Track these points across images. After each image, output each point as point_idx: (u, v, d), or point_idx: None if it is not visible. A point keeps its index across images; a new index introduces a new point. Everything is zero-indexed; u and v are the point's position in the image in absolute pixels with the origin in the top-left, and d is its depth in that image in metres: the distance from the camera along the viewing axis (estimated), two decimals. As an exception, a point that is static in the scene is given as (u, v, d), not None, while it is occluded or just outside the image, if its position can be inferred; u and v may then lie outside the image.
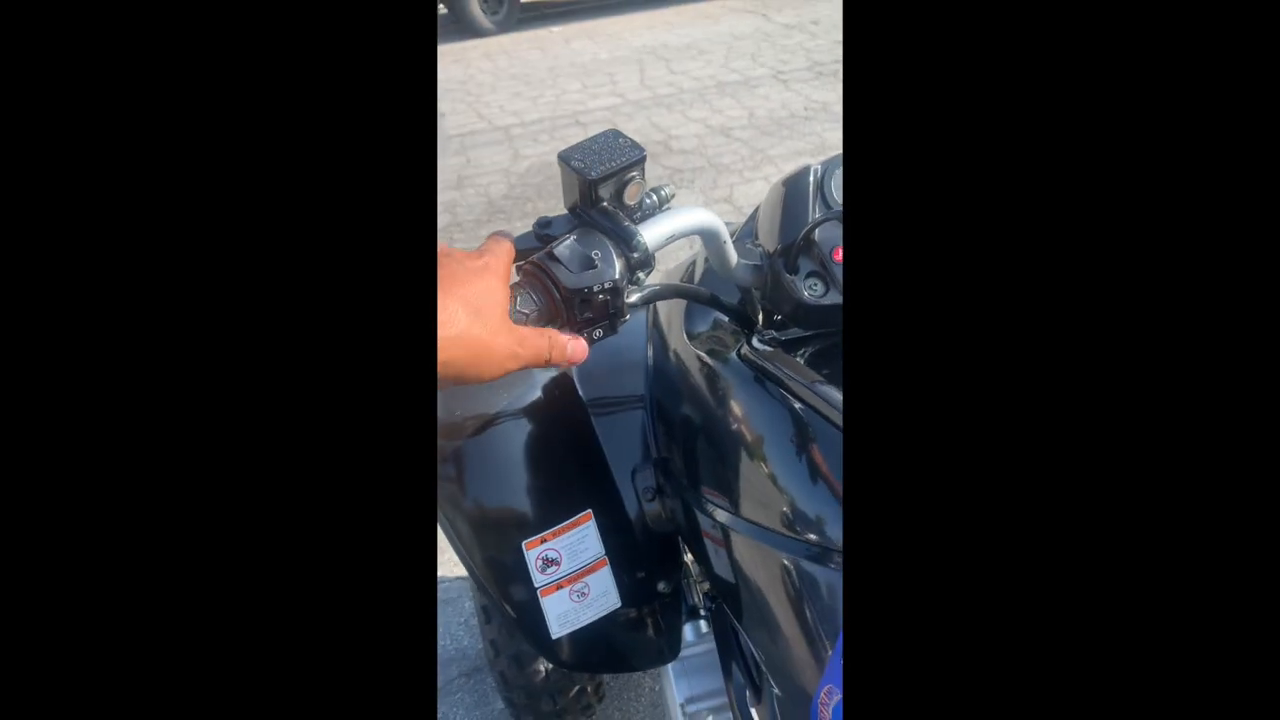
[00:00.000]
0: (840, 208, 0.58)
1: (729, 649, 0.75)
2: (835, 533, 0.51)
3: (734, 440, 0.63)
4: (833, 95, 3.77)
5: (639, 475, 0.81)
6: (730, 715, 0.79)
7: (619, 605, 0.79)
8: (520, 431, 0.81)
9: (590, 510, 0.78)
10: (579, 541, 0.77)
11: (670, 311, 0.79)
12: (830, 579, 0.51)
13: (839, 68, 4.17)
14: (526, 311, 0.44)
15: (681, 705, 0.82)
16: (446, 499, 0.78)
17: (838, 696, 0.46)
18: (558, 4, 6.76)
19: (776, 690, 0.60)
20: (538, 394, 0.84)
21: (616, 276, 0.46)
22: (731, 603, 0.67)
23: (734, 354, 0.63)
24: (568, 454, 0.82)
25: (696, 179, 3.06)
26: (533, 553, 0.75)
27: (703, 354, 0.68)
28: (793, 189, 0.61)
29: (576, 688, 1.07)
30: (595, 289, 0.45)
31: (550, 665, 1.04)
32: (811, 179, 0.61)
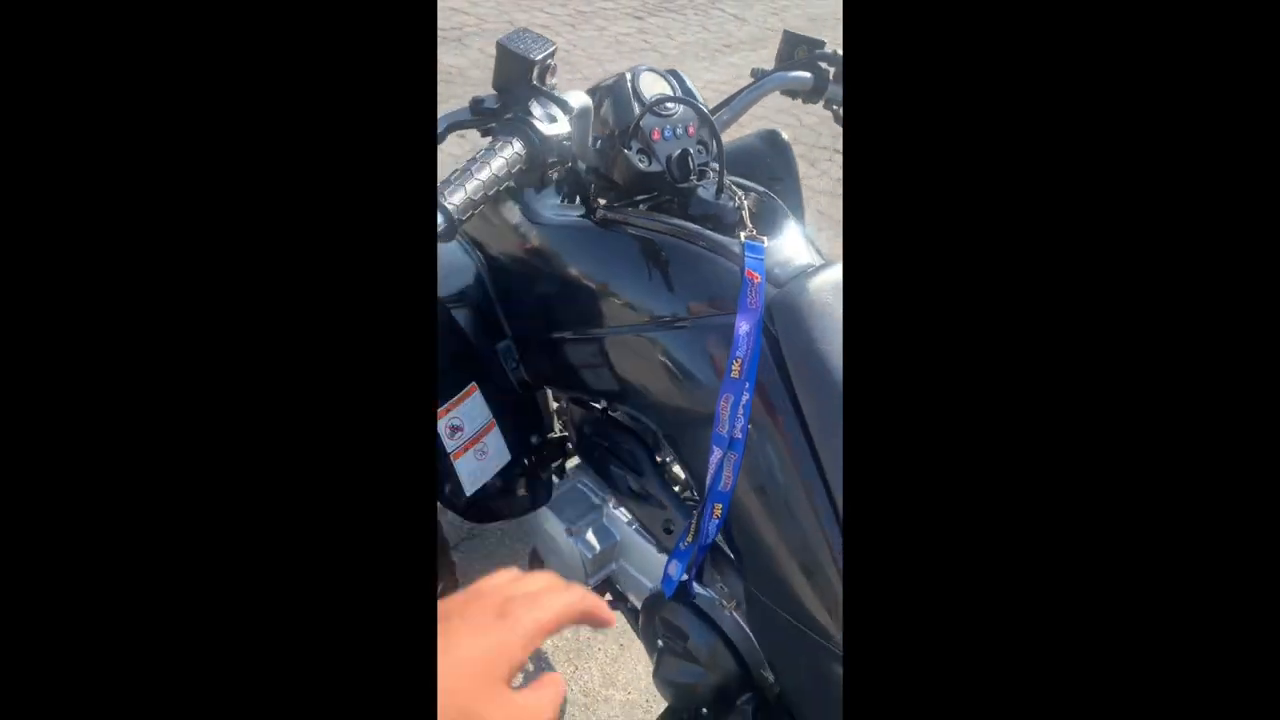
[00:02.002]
0: (650, 100, 0.83)
1: (604, 458, 0.97)
2: (687, 309, 0.77)
3: (599, 280, 0.84)
4: (466, 60, 3.93)
5: (501, 351, 0.96)
6: (603, 523, 1.02)
7: (510, 459, 0.95)
8: None
9: (474, 383, 0.91)
10: (472, 408, 0.90)
11: (501, 215, 0.95)
12: (686, 338, 0.77)
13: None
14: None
15: (566, 530, 1.02)
16: None
17: (735, 397, 0.73)
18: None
19: (666, 432, 0.85)
20: None
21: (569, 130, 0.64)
22: (617, 398, 0.89)
23: (591, 219, 0.84)
24: (444, 341, 0.93)
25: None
26: (442, 421, 0.86)
27: (561, 225, 0.87)
28: (616, 92, 0.83)
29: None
30: (564, 138, 0.62)
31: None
32: (628, 83, 0.84)
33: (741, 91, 0.95)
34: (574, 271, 0.86)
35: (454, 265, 0.99)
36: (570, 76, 3.89)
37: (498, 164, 0.60)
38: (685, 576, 0.83)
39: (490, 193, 0.60)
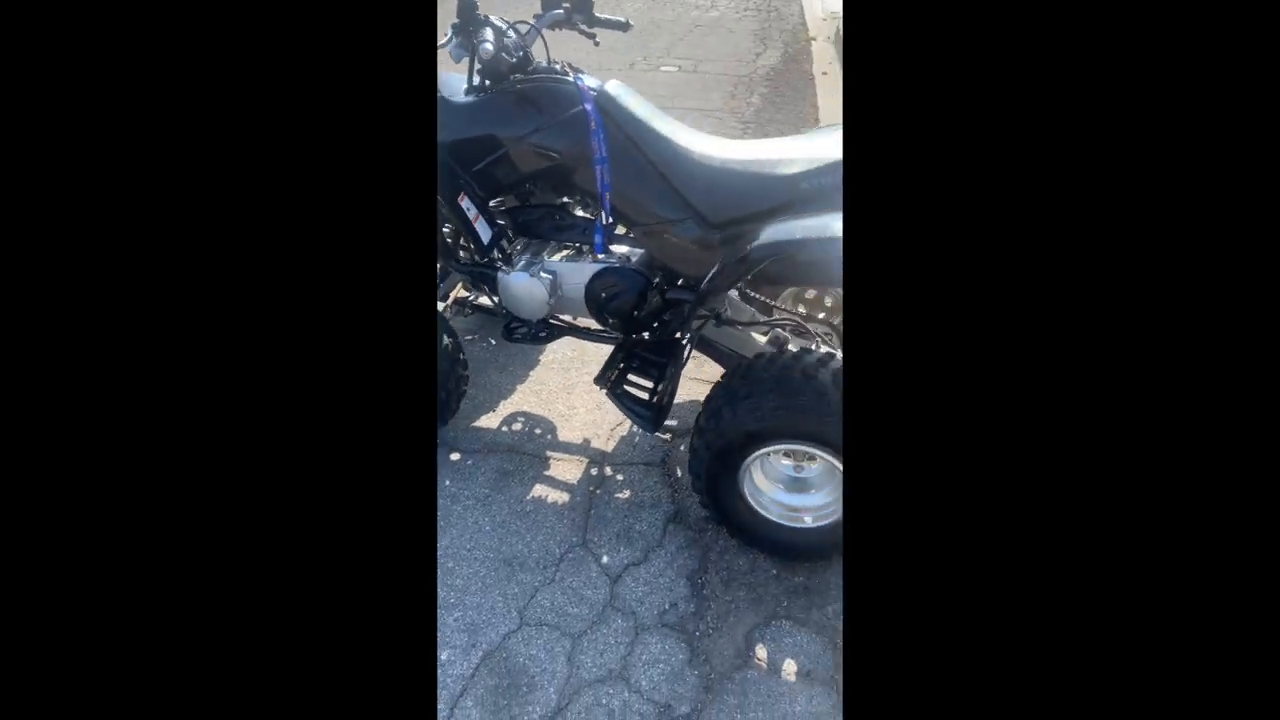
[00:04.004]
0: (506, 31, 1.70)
1: (537, 223, 1.83)
2: (550, 116, 1.68)
3: (495, 122, 1.70)
4: None
5: (464, 182, 1.77)
6: (548, 267, 1.87)
7: (492, 233, 1.77)
8: None
9: (463, 192, 1.72)
10: (468, 203, 1.71)
11: (442, 110, 1.74)
12: (560, 131, 1.67)
13: None
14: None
15: (529, 275, 1.84)
16: None
17: (597, 138, 1.66)
18: None
19: (566, 185, 1.74)
20: None
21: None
22: (535, 184, 1.77)
23: (485, 95, 1.69)
24: (442, 176, 1.71)
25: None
26: (462, 204, 1.65)
27: (471, 103, 1.71)
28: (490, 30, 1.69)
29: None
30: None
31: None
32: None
33: (533, 24, 1.87)
34: (483, 124, 1.71)
35: None
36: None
37: (490, 33, 1.46)
38: (602, 238, 1.73)
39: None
